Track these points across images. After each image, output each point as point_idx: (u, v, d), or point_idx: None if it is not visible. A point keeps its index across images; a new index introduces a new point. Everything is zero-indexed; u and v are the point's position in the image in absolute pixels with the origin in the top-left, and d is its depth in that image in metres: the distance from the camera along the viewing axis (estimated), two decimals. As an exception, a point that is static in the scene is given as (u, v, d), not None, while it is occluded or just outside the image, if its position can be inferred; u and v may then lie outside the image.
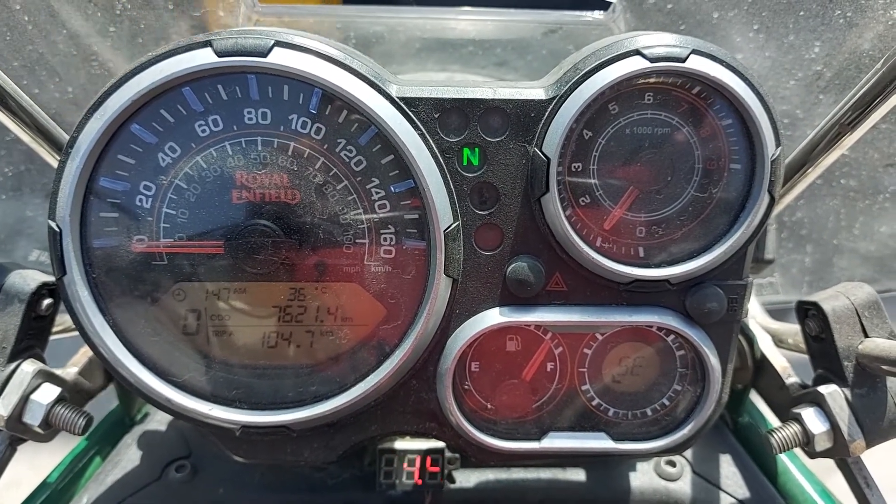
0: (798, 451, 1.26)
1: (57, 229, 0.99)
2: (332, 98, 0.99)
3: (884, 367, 1.08)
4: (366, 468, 1.34)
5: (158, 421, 1.49)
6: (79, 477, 1.39)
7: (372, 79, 0.99)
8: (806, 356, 1.29)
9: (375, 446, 1.34)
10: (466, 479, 1.35)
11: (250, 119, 1.00)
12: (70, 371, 1.29)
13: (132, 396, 1.52)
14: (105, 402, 1.42)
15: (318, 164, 1.02)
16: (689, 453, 1.40)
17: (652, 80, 1.01)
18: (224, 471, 1.36)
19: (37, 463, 1.22)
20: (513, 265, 1.07)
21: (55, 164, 1.31)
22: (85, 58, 1.62)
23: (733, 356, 1.16)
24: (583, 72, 0.99)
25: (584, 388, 1.16)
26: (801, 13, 1.58)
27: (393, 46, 1.65)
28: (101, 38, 1.61)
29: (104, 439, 1.46)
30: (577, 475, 1.36)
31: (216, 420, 1.08)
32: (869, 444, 1.12)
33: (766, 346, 1.42)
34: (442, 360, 1.12)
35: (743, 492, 1.34)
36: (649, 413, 1.18)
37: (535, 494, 1.35)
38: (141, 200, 1.01)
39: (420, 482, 1.30)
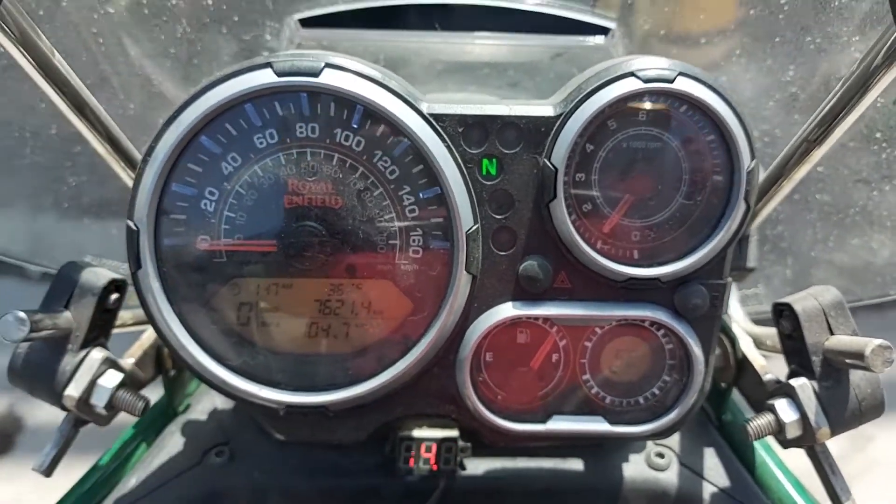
0: (776, 447, 1.38)
1: (135, 228, 1.12)
2: (371, 114, 1.11)
3: (847, 360, 1.19)
4: (387, 455, 1.43)
5: (199, 411, 1.59)
6: (127, 461, 1.50)
7: (407, 97, 1.12)
8: (782, 357, 1.38)
9: (396, 434, 1.44)
10: (476, 467, 1.45)
11: (301, 133, 1.12)
12: (128, 361, 1.41)
13: (177, 388, 1.63)
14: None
15: (358, 172, 1.14)
16: (676, 446, 1.50)
17: (645, 100, 1.13)
18: (259, 456, 1.46)
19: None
20: (525, 264, 1.19)
21: (122, 172, 1.46)
22: (146, 78, 1.76)
23: (714, 348, 1.27)
24: (586, 91, 1.12)
25: (584, 377, 1.27)
26: (777, 39, 1.71)
27: (417, 69, 1.78)
28: (163, 59, 1.75)
29: (149, 427, 1.57)
30: (576, 465, 1.46)
31: (264, 400, 1.20)
32: (834, 432, 1.22)
33: (747, 347, 1.54)
34: (461, 349, 1.23)
35: (724, 481, 1.44)
36: (642, 401, 1.29)
37: (538, 482, 1.45)
38: (205, 204, 1.14)
39: (436, 468, 1.40)
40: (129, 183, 1.39)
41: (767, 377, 1.43)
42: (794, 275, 2.13)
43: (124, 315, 1.41)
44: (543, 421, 1.29)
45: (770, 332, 1.52)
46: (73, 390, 1.22)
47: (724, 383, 1.59)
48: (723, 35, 1.78)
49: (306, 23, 1.75)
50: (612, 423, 1.28)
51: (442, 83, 1.83)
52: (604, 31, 1.80)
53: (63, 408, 1.25)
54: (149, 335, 1.53)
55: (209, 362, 1.19)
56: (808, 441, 1.25)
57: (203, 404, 1.61)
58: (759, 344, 1.57)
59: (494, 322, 1.21)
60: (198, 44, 1.75)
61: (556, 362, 1.27)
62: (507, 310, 1.22)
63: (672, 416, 1.28)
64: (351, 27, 1.77)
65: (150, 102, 1.80)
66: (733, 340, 1.57)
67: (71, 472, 1.38)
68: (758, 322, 1.73)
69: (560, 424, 1.28)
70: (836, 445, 1.26)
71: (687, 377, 1.26)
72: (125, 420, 1.36)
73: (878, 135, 1.74)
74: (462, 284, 1.17)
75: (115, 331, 1.40)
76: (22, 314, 1.12)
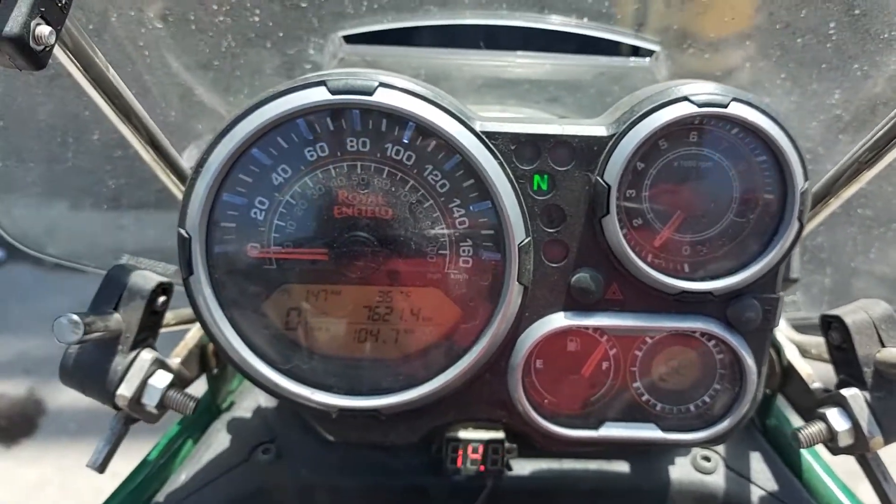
0: (821, 451, 1.38)
1: (187, 236, 1.13)
2: (423, 130, 1.12)
3: None
4: (433, 455, 1.44)
5: (244, 409, 1.61)
6: (174, 457, 1.52)
7: (460, 115, 1.13)
8: (826, 366, 1.39)
9: (443, 435, 1.44)
10: (522, 468, 1.46)
11: (352, 147, 1.13)
12: (174, 361, 1.43)
13: (220, 386, 1.65)
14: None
15: (408, 185, 1.15)
16: (722, 450, 1.50)
17: (697, 122, 1.14)
18: (306, 454, 1.48)
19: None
20: (576, 276, 1.20)
21: (166, 178, 1.47)
22: (188, 88, 1.78)
23: (767, 359, 1.27)
24: (639, 114, 1.13)
25: (634, 385, 1.28)
26: (824, 66, 1.70)
27: (457, 83, 1.78)
28: (205, 70, 1.77)
29: (194, 425, 1.60)
30: (622, 467, 1.47)
31: (317, 403, 1.21)
32: (887, 441, 1.23)
33: (792, 355, 1.54)
34: (513, 356, 1.24)
35: (771, 485, 1.44)
36: (692, 409, 1.29)
37: (585, 483, 1.45)
38: (256, 213, 1.15)
39: (483, 468, 1.40)
40: (172, 187, 1.40)
41: (815, 385, 1.43)
42: (833, 284, 2.11)
43: (167, 315, 1.43)
44: (595, 427, 1.29)
45: (813, 341, 1.53)
46: (126, 390, 1.24)
47: (769, 389, 1.59)
48: (767, 60, 1.76)
49: (350, 39, 1.76)
50: (663, 429, 1.29)
51: (481, 96, 1.84)
52: (648, 52, 1.79)
53: (115, 407, 1.27)
54: (193, 335, 1.55)
55: (261, 365, 1.21)
56: (860, 449, 1.25)
57: (247, 402, 1.63)
58: (803, 352, 1.56)
59: (546, 331, 1.22)
60: (241, 57, 1.76)
61: (607, 370, 1.28)
62: (558, 320, 1.23)
63: (725, 425, 1.28)
64: (393, 44, 1.77)
65: (190, 111, 1.82)
66: (778, 348, 1.56)
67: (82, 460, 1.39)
68: (797, 329, 1.72)
69: (612, 431, 1.29)
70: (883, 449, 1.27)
71: (740, 387, 1.26)
72: (169, 416, 1.38)
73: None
74: (514, 294, 1.17)
75: (164, 331, 1.42)
76: (75, 317, 1.13)
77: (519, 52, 1.82)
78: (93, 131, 1.77)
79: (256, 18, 1.69)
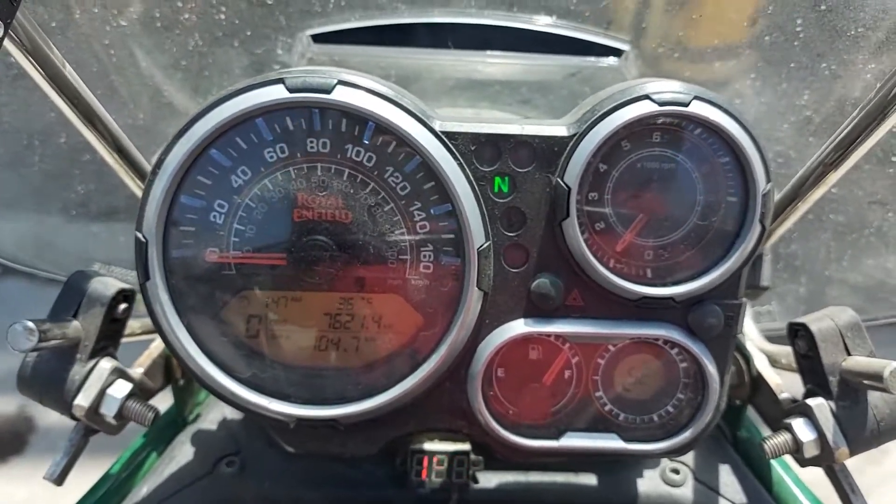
0: (792, 463, 1.37)
1: (143, 240, 1.11)
2: (383, 130, 1.11)
3: (865, 381, 1.17)
4: (398, 468, 1.43)
5: (210, 421, 1.59)
6: (138, 469, 1.50)
7: (419, 115, 1.12)
8: (797, 376, 1.37)
9: (408, 447, 1.43)
10: (488, 480, 1.44)
11: (312, 148, 1.12)
12: (137, 371, 1.40)
13: (186, 397, 1.63)
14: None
15: (368, 188, 1.13)
16: (691, 462, 1.49)
17: (659, 122, 1.13)
18: (270, 467, 1.46)
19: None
20: (537, 281, 1.18)
21: (130, 182, 1.46)
22: (156, 89, 1.77)
23: (730, 367, 1.26)
24: (600, 113, 1.12)
25: (597, 394, 1.26)
26: (792, 65, 1.71)
27: (428, 84, 1.77)
28: (174, 70, 1.76)
29: (159, 437, 1.58)
30: (589, 479, 1.45)
31: (274, 413, 1.19)
32: (853, 452, 1.21)
33: (761, 365, 1.52)
34: (473, 364, 1.22)
35: (740, 497, 1.43)
36: (656, 419, 1.27)
37: (551, 496, 1.44)
38: (215, 216, 1.13)
39: (447, 481, 1.39)
40: (138, 192, 1.39)
41: (783, 396, 1.42)
42: (808, 293, 2.12)
43: (133, 324, 1.41)
44: (556, 437, 1.28)
45: (784, 350, 1.51)
46: (83, 400, 1.22)
47: (739, 400, 1.58)
48: (737, 59, 1.77)
49: (318, 38, 1.75)
50: (625, 440, 1.27)
51: (453, 99, 1.84)
52: (617, 52, 1.79)
53: (73, 417, 1.25)
54: (157, 344, 1.53)
55: (218, 374, 1.18)
56: (826, 460, 1.24)
57: (213, 414, 1.61)
58: (773, 362, 1.55)
59: (506, 339, 1.21)
60: (209, 56, 1.76)
61: (569, 378, 1.26)
62: (518, 326, 1.21)
63: (687, 435, 1.27)
64: (362, 44, 1.76)
65: (159, 113, 1.81)
66: (748, 358, 1.55)
67: (81, 477, 1.37)
68: (771, 339, 1.71)
69: (573, 441, 1.27)
70: (851, 459, 1.25)
71: (702, 396, 1.25)
72: (136, 428, 1.36)
73: (893, 158, 1.74)
74: (473, 301, 1.16)
75: (124, 340, 1.40)
76: (30, 324, 1.11)
77: (489, 52, 1.82)
78: (59, 134, 1.76)
79: (223, 16, 1.69)
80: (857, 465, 1.22)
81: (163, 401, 1.50)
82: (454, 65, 1.81)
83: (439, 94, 1.80)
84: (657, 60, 1.79)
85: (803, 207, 1.43)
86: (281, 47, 1.77)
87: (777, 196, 1.47)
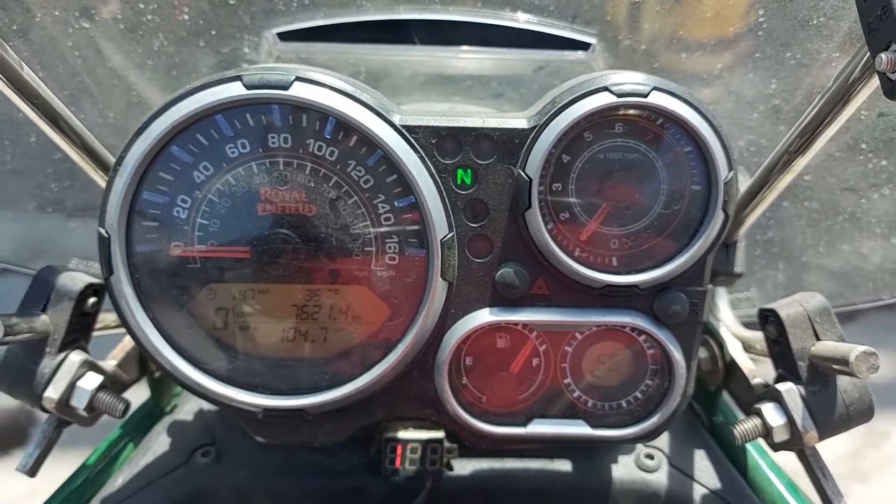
0: (768, 448, 1.36)
1: (106, 235, 1.12)
2: (344, 125, 1.11)
3: (834, 366, 1.17)
4: (372, 456, 1.43)
5: (186, 411, 1.59)
6: (114, 461, 1.51)
7: (378, 109, 1.12)
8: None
9: (382, 436, 1.44)
10: (463, 467, 1.45)
11: (273, 143, 1.12)
12: (109, 363, 1.41)
13: (163, 389, 1.64)
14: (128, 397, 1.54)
15: (331, 181, 1.14)
16: (666, 448, 1.49)
17: (621, 112, 1.13)
18: (245, 457, 1.47)
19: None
20: (501, 271, 1.19)
21: (99, 180, 1.45)
22: (125, 88, 1.76)
23: (696, 353, 1.26)
24: (559, 105, 1.12)
25: (565, 381, 1.27)
26: (758, 55, 1.71)
27: (399, 80, 1.76)
28: (141, 70, 1.75)
29: (136, 428, 1.58)
30: (564, 466, 1.46)
31: (241, 403, 1.21)
32: (822, 437, 1.22)
33: (735, 351, 1.52)
34: (439, 353, 1.23)
35: (714, 482, 1.44)
36: (624, 405, 1.28)
37: (527, 483, 1.44)
38: (178, 211, 1.14)
39: (421, 468, 1.40)
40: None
41: (755, 381, 1.42)
42: (786, 279, 2.12)
43: (107, 318, 1.41)
44: (524, 424, 1.28)
45: (759, 336, 1.50)
46: (53, 392, 1.23)
47: (714, 386, 1.58)
48: (703, 50, 1.76)
49: (285, 36, 1.74)
50: (593, 426, 1.28)
51: (424, 94, 1.83)
52: (585, 45, 1.78)
53: (44, 409, 1.25)
54: (130, 338, 1.52)
55: (185, 366, 1.20)
56: (796, 445, 1.24)
57: (189, 405, 1.62)
58: (748, 348, 1.55)
59: (472, 327, 1.21)
60: (176, 56, 1.75)
61: (537, 366, 1.27)
62: (484, 315, 1.22)
63: (654, 420, 1.27)
64: (329, 41, 1.75)
65: (130, 112, 1.81)
66: (722, 344, 1.56)
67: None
68: (749, 326, 1.71)
69: (540, 428, 1.28)
70: (851, 442, 1.26)
71: (669, 382, 1.26)
72: (113, 420, 1.36)
73: (863, 146, 1.73)
74: (438, 291, 1.17)
75: (101, 333, 1.41)
76: None
77: (458, 48, 1.80)
78: (29, 133, 1.76)
79: (186, 17, 1.68)
80: (857, 450, 1.22)
81: (141, 393, 1.50)
82: (423, 61, 1.80)
83: (412, 89, 1.80)
84: (625, 53, 1.78)
85: (772, 195, 1.42)
86: (248, 46, 1.77)
87: (748, 183, 1.47)
